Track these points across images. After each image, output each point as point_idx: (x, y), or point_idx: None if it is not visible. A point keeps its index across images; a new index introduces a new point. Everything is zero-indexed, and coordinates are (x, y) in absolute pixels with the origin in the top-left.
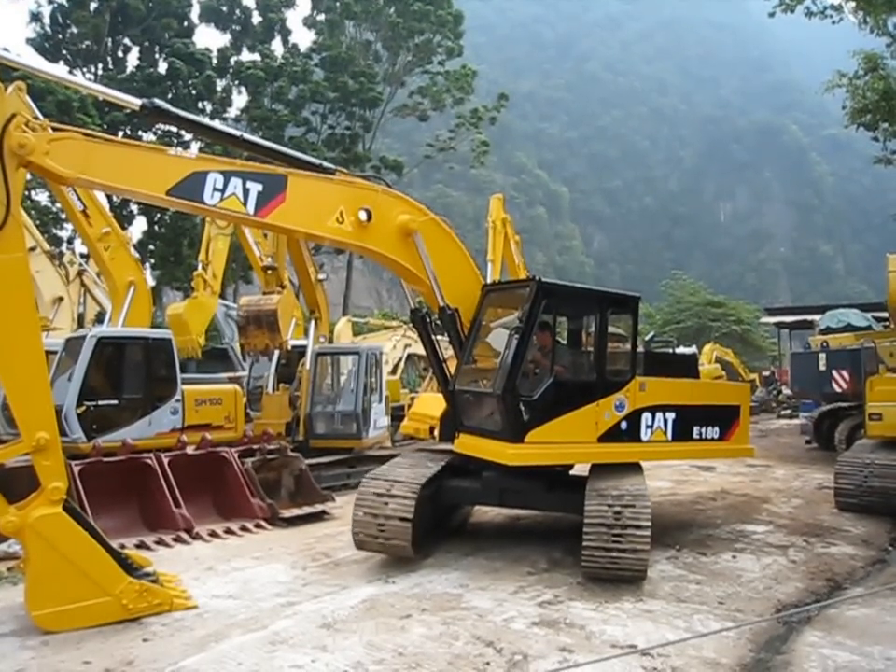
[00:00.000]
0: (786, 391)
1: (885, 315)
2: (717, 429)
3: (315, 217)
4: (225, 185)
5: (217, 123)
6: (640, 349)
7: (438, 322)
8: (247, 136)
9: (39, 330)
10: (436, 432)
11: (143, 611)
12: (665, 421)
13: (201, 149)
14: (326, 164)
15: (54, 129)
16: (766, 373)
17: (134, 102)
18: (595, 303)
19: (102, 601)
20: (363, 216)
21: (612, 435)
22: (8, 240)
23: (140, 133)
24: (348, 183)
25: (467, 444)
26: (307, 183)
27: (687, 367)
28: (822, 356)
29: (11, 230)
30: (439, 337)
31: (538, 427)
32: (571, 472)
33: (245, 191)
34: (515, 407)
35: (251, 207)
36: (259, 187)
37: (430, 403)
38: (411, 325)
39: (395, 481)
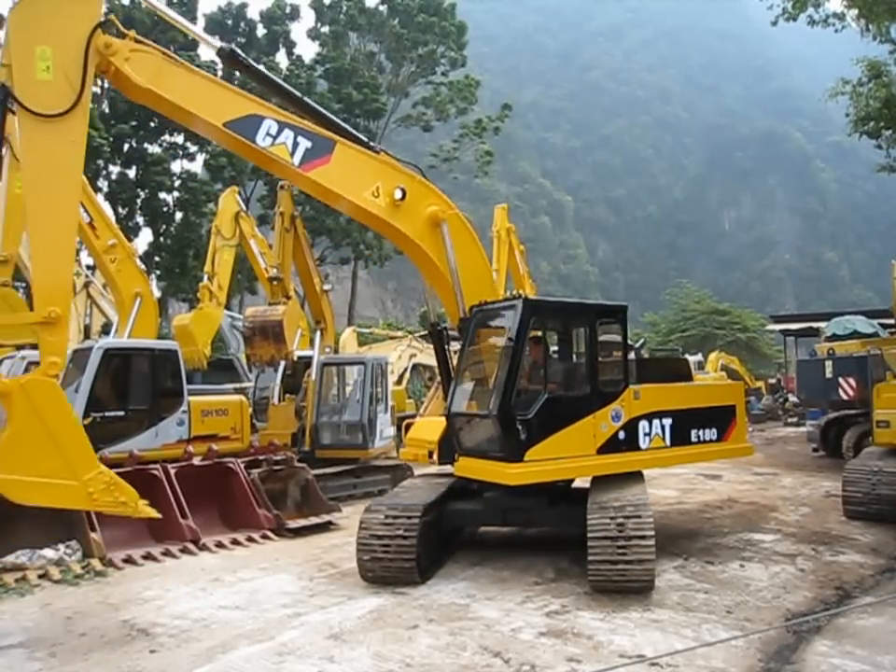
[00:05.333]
0: (792, 399)
1: (891, 321)
2: (714, 431)
3: (353, 185)
4: (278, 133)
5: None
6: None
7: (458, 329)
8: (309, 101)
9: (77, 212)
10: (435, 456)
11: (106, 506)
12: (663, 427)
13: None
14: (372, 144)
15: (136, 41)
16: (773, 381)
17: (215, 44)
18: (583, 316)
19: (68, 484)
20: (398, 193)
21: (611, 446)
22: (73, 124)
23: (146, 145)
24: (389, 163)
25: (467, 467)
26: (352, 153)
27: (679, 370)
28: (829, 363)
29: (78, 116)
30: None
31: (536, 445)
32: (573, 485)
33: (295, 144)
34: (512, 427)
35: (297, 159)
36: (308, 144)
37: (427, 428)
38: (415, 336)
39: (396, 515)
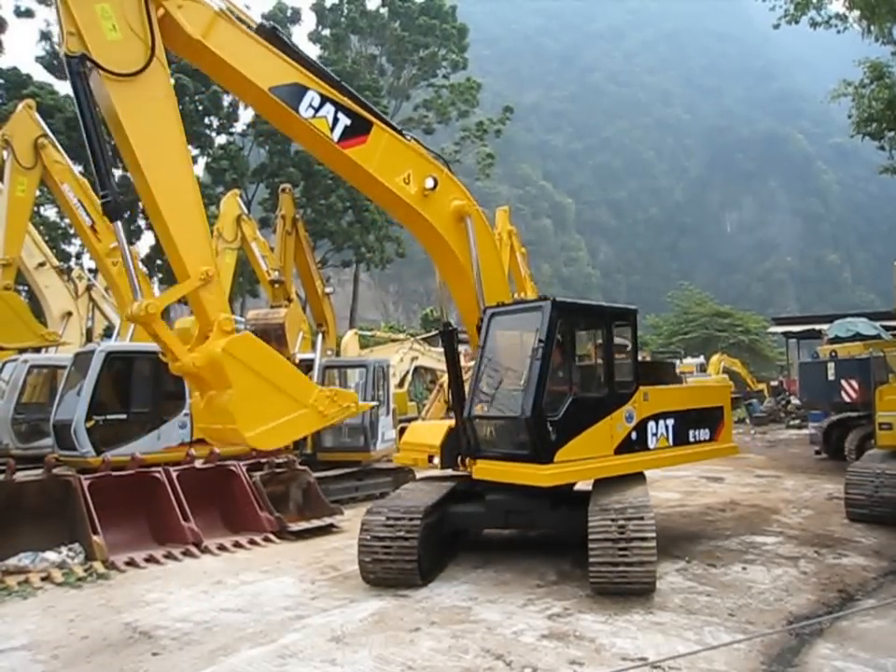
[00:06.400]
0: (794, 401)
1: (893, 323)
2: (707, 431)
3: (386, 169)
4: (320, 106)
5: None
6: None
7: (476, 327)
8: (345, 85)
9: (192, 168)
10: (436, 460)
11: (336, 415)
12: (667, 427)
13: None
14: (404, 132)
15: None
16: (775, 383)
17: (255, 20)
18: (603, 318)
19: (301, 413)
20: (430, 182)
21: (625, 446)
22: (156, 78)
23: None
24: (421, 152)
25: (488, 470)
26: (387, 136)
27: (666, 373)
28: (831, 365)
29: (158, 69)
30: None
31: (564, 446)
32: (574, 488)
33: (335, 119)
34: (543, 428)
35: (336, 135)
36: (348, 121)
37: (424, 432)
38: (416, 338)
39: (397, 517)
